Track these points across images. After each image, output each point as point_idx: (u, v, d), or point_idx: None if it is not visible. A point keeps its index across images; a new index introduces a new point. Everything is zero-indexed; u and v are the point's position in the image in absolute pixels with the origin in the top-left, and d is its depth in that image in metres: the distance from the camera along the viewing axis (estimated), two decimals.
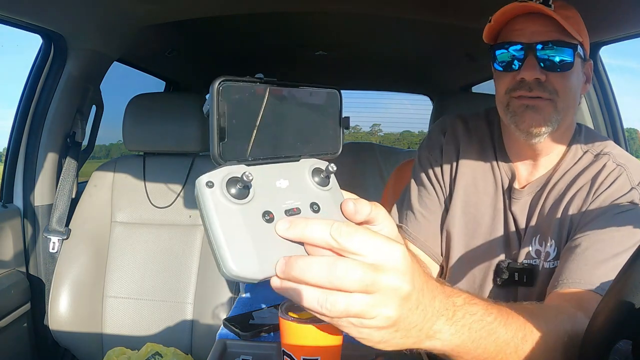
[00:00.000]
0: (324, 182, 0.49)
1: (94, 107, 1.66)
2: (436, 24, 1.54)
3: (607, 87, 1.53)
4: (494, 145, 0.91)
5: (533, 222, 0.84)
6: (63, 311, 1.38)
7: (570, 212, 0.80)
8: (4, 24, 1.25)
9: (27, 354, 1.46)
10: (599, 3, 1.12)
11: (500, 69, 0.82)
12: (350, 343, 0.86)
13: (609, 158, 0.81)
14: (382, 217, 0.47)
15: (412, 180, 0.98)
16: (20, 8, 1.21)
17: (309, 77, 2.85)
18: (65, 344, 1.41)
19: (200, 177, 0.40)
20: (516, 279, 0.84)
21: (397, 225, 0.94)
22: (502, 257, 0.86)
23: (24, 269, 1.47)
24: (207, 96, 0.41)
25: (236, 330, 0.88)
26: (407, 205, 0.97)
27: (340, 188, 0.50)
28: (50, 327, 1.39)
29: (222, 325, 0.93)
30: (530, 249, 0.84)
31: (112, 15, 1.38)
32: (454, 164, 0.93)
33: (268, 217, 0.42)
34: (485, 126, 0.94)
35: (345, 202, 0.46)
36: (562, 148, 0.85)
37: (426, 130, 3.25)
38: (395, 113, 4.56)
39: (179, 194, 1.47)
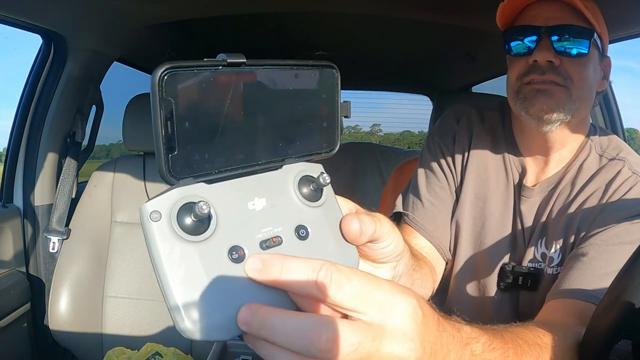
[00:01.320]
0: (315, 196, 0.37)
1: (94, 107, 1.66)
2: (436, 24, 1.53)
3: (607, 87, 1.53)
4: (505, 138, 0.88)
5: (541, 224, 0.81)
6: (63, 311, 1.38)
7: (579, 216, 0.76)
8: (4, 24, 1.25)
9: (27, 354, 1.46)
10: (599, 3, 1.12)
11: (513, 53, 0.79)
12: None
13: (624, 164, 0.77)
14: (387, 232, 0.40)
15: (420, 168, 0.93)
16: (20, 8, 1.21)
17: None
18: (65, 344, 1.41)
19: (145, 204, 0.30)
20: (520, 283, 0.81)
21: (402, 213, 0.91)
22: (507, 259, 0.84)
23: (24, 269, 1.47)
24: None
25: None
26: (414, 193, 0.91)
27: (338, 190, 0.38)
28: (50, 327, 1.39)
29: None
30: (536, 252, 0.81)
31: (112, 15, 1.38)
32: (466, 154, 0.89)
33: (236, 254, 0.31)
34: (499, 118, 0.91)
35: (348, 221, 0.36)
36: (575, 145, 0.82)
37: (426, 130, 3.25)
38: (395, 113, 4.56)
39: None
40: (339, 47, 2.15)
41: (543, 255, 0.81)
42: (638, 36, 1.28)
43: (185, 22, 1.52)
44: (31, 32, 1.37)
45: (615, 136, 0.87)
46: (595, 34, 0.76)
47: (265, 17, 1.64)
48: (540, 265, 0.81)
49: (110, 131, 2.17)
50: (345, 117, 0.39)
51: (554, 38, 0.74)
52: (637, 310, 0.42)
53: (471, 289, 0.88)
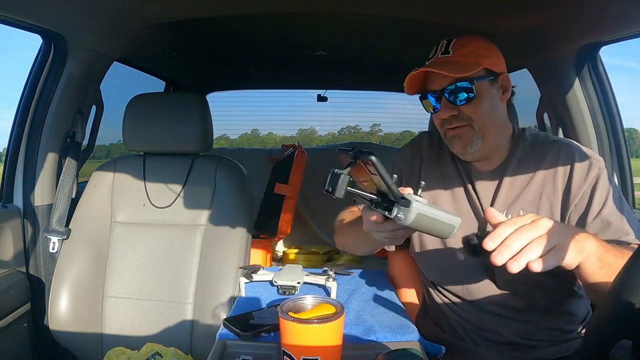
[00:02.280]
0: None
1: (94, 107, 1.66)
2: (436, 24, 1.53)
3: (607, 87, 1.53)
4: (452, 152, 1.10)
5: (500, 200, 1.03)
6: (63, 311, 1.38)
7: (544, 194, 0.99)
8: (4, 24, 1.25)
9: (27, 354, 1.46)
10: (599, 3, 1.12)
11: (430, 111, 1.04)
12: (350, 343, 0.86)
13: (556, 143, 1.02)
14: None
15: None
16: (20, 8, 1.21)
17: (309, 77, 2.85)
18: (65, 344, 1.41)
19: (413, 204, 0.72)
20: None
21: None
22: (472, 231, 1.00)
23: (24, 269, 1.47)
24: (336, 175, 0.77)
25: (236, 330, 0.88)
26: None
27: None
28: (50, 327, 1.39)
29: (222, 325, 0.93)
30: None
31: (112, 15, 1.38)
32: (417, 167, 1.15)
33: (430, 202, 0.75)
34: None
35: None
36: (505, 146, 1.05)
37: (426, 130, 3.24)
38: (395, 113, 4.55)
39: (179, 194, 1.47)
40: (339, 47, 2.15)
41: None
42: (638, 36, 1.28)
43: (185, 22, 1.52)
44: (31, 32, 1.37)
45: (540, 131, 1.17)
46: (477, 78, 0.96)
47: (265, 17, 1.64)
48: None
49: (110, 131, 2.17)
50: None
51: (448, 96, 0.98)
52: (637, 310, 0.43)
53: (444, 263, 1.09)
